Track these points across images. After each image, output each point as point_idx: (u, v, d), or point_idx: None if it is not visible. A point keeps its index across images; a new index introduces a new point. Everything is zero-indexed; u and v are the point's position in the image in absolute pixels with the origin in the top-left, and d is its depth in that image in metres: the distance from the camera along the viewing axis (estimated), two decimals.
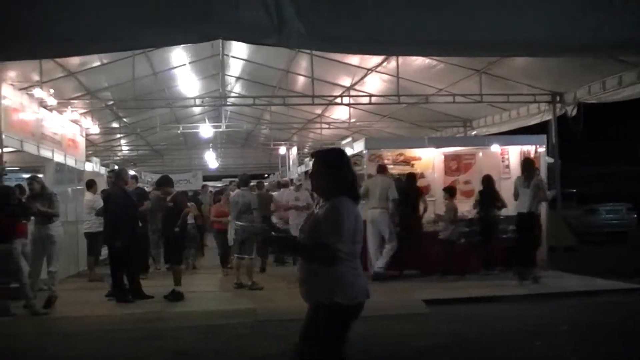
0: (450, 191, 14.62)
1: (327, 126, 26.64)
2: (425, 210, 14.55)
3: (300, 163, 28.37)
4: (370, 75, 18.58)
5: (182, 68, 20.84)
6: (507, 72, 15.91)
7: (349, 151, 18.65)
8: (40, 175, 12.67)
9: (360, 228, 4.63)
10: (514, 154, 16.05)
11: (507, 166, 16.22)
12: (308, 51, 17.02)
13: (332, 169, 4.69)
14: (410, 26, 6.86)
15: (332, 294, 4.47)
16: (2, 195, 10.94)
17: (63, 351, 8.80)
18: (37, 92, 14.77)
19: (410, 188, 14.55)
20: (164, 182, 13.29)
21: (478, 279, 13.61)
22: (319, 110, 24.50)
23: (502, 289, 12.47)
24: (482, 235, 14.28)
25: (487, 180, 14.43)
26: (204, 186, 24.50)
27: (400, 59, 16.30)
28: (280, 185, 19.06)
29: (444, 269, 13.93)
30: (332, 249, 4.42)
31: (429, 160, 16.64)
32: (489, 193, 14.28)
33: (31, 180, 11.90)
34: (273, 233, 13.06)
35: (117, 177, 12.52)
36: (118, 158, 34.36)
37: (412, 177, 14.89)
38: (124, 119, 25.64)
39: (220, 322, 10.21)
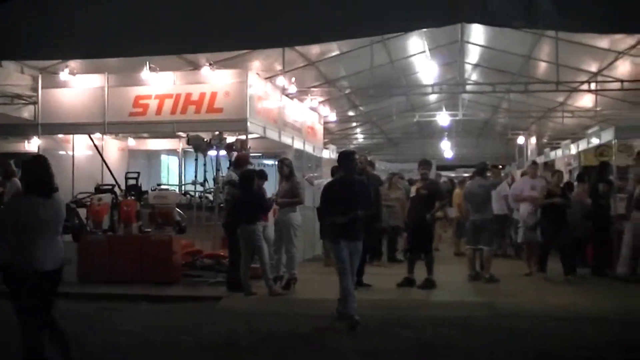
0: None
1: (569, 115, 25.17)
2: None
3: (540, 153, 27.11)
4: (622, 59, 17.18)
5: (419, 56, 20.75)
6: None
7: (594, 141, 17.46)
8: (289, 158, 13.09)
9: (28, 219, 6.12)
10: None
11: None
12: (552, 35, 16.14)
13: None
14: None
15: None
16: (247, 178, 11.38)
17: (298, 330, 8.99)
18: (280, 80, 15.35)
19: None
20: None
21: None
22: (561, 98, 23.22)
23: None
24: None
25: None
26: (437, 175, 24.11)
27: None
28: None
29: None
30: None
31: None
32: None
33: (281, 163, 12.26)
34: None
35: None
36: (353, 146, 35.00)
37: None
38: (360, 107, 26.07)
39: (455, 314, 9.86)
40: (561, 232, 12.72)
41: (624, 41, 15.88)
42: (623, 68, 17.91)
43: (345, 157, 9.35)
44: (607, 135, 15.22)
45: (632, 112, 21.90)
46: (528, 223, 13.65)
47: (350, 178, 9.22)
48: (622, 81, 17.87)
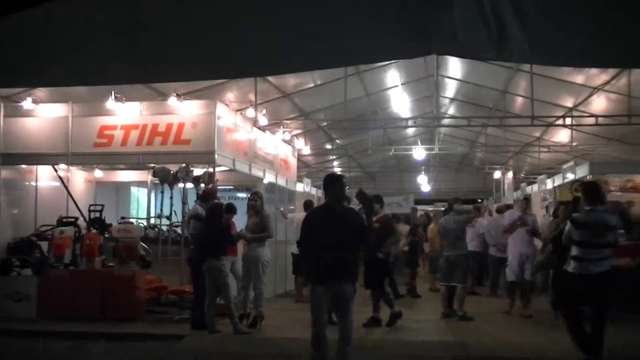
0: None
1: (545, 150, 25.13)
2: None
3: (516, 188, 27.02)
4: (597, 95, 17.10)
5: (395, 89, 20.60)
6: None
7: (569, 176, 17.29)
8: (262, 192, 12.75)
9: None
10: None
11: None
12: (528, 70, 16.04)
13: None
14: None
15: None
16: (214, 212, 11.07)
17: None
18: (250, 112, 15.09)
19: None
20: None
21: None
22: (537, 133, 23.15)
23: None
24: None
25: None
26: (414, 209, 23.89)
27: (633, 75, 14.78)
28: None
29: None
30: None
31: None
32: None
33: (253, 196, 11.91)
34: None
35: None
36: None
37: None
38: (337, 141, 25.85)
39: (423, 355, 9.53)
40: None
41: (599, 77, 15.77)
42: (598, 103, 17.82)
43: (332, 182, 7.74)
44: (582, 171, 15.15)
45: (606, 148, 21.85)
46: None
47: (339, 206, 7.58)
48: (596, 116, 17.79)
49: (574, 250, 8.70)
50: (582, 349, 8.55)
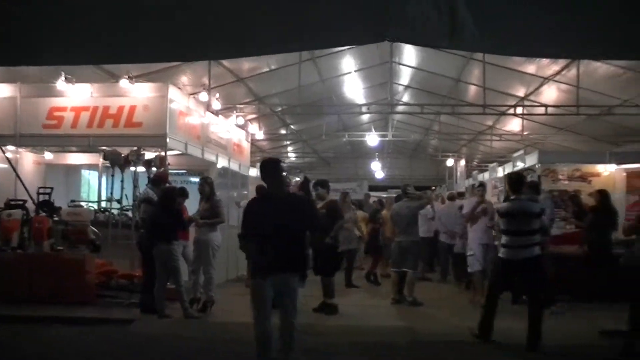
0: None
1: (497, 138, 25.50)
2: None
3: (469, 176, 27.36)
4: (547, 85, 17.39)
5: (350, 75, 20.62)
6: None
7: (519, 165, 17.57)
8: (212, 177, 12.69)
9: None
10: None
11: None
12: (480, 59, 16.24)
13: None
14: (601, 27, 6.09)
15: None
16: (167, 196, 10.99)
17: (203, 357, 8.64)
18: (203, 95, 14.99)
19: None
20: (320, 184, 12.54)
21: None
22: (490, 122, 23.47)
23: None
24: None
25: None
26: (367, 195, 24.06)
27: (582, 67, 15.07)
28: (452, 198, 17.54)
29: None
30: None
31: (609, 177, 15.36)
32: None
33: (202, 182, 11.84)
34: None
35: None
36: (285, 165, 34.61)
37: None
38: (291, 126, 25.82)
39: (373, 340, 9.61)
40: None
41: (550, 67, 16.04)
42: (549, 93, 18.13)
43: (273, 167, 7.00)
44: (532, 160, 15.42)
45: (556, 137, 22.28)
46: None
47: (282, 193, 6.99)
48: (546, 106, 18.08)
49: (502, 238, 9.14)
50: (480, 328, 9.18)
